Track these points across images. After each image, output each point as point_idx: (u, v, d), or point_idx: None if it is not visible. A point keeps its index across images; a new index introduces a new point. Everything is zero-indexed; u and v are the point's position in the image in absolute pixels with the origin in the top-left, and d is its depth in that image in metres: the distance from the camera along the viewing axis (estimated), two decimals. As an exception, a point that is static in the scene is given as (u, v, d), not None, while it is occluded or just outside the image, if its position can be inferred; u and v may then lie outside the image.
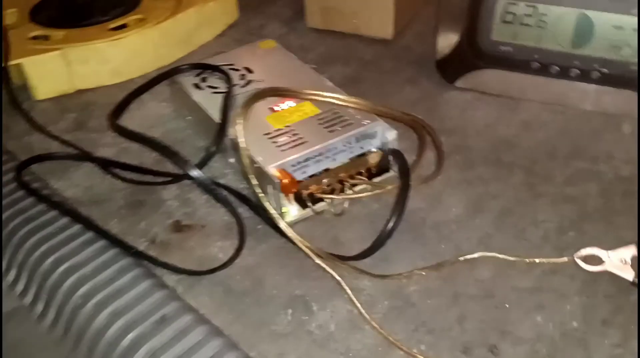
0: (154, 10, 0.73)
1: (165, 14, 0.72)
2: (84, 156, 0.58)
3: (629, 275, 0.42)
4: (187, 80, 0.60)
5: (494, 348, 0.40)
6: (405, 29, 0.73)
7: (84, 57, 0.67)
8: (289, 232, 0.46)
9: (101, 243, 0.48)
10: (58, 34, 0.70)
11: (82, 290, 0.45)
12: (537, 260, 0.44)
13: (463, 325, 0.41)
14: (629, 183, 0.51)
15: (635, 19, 0.55)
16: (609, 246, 0.44)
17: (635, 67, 0.56)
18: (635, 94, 0.56)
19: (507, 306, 0.42)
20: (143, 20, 0.72)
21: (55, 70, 0.67)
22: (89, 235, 0.49)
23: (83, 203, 0.52)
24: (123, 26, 0.70)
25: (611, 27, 0.56)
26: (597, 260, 0.44)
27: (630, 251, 0.43)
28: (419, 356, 0.39)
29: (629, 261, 0.43)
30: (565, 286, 0.43)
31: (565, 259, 0.44)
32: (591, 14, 0.56)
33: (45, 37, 0.70)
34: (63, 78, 0.67)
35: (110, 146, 0.59)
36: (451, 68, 0.64)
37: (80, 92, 0.68)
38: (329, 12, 0.73)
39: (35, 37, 0.70)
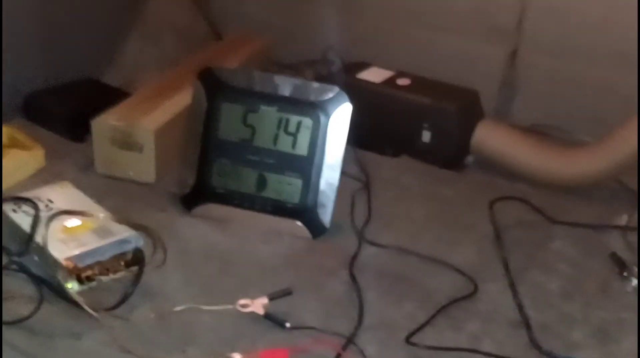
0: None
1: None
2: None
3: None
4: (7, 206, 0.90)
5: None
6: (165, 175, 1.09)
7: None
8: (74, 296, 0.77)
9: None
10: None
11: None
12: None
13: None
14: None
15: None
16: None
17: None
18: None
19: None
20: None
21: None
22: None
23: None
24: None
25: (277, 182, 0.98)
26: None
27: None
28: None
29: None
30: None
31: (230, 306, 0.80)
32: (266, 174, 0.98)
33: None
34: None
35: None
36: (188, 201, 1.01)
37: None
38: (110, 162, 1.07)
39: None
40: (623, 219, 1.06)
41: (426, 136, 1.21)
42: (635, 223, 1.04)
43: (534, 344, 0.80)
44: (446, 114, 1.20)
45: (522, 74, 1.33)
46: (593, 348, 0.81)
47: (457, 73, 1.28)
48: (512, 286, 0.90)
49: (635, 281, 0.92)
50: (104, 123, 1.06)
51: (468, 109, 1.22)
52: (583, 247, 1.00)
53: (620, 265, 0.94)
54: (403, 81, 1.26)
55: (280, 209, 0.99)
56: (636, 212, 1.06)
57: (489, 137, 1.18)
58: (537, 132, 1.25)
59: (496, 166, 1.17)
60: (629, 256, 0.96)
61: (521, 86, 1.33)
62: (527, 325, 0.83)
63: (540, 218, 1.05)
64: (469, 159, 1.22)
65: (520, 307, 0.86)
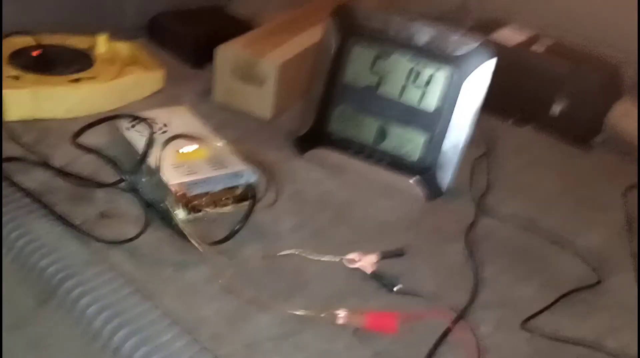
0: (102, 72, 1.01)
1: (110, 76, 1.01)
2: (41, 162, 0.84)
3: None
4: (122, 123, 0.88)
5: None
6: (283, 113, 1.05)
7: (47, 96, 0.94)
8: (181, 224, 0.75)
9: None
10: (30, 76, 0.96)
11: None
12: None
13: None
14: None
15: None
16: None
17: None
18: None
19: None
20: (93, 78, 1.00)
21: (23, 102, 0.93)
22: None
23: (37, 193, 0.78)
24: (78, 80, 0.98)
25: (398, 135, 0.92)
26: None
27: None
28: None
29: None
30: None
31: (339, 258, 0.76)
32: (387, 126, 0.92)
33: (17, 78, 0.96)
34: (28, 108, 0.93)
35: (59, 158, 0.85)
36: (303, 144, 0.96)
37: (38, 120, 0.94)
38: (228, 92, 1.04)
39: (11, 76, 0.96)
40: None
41: (557, 107, 1.11)
42: None
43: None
44: (584, 86, 1.10)
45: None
46: None
47: (601, 41, 1.16)
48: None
49: None
50: (229, 51, 1.02)
51: (609, 83, 1.11)
52: None
53: None
54: (539, 45, 1.15)
55: (397, 164, 0.93)
56: None
57: (627, 117, 1.07)
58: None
59: (629, 149, 1.06)
60: None
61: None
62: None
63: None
64: (599, 138, 1.12)
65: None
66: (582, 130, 1.12)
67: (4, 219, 0.74)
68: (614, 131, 1.10)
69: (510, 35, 1.19)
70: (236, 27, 1.13)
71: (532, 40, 1.18)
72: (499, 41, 1.16)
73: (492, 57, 0.88)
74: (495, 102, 1.10)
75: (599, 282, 0.82)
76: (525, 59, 1.15)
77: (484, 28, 1.19)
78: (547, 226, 0.89)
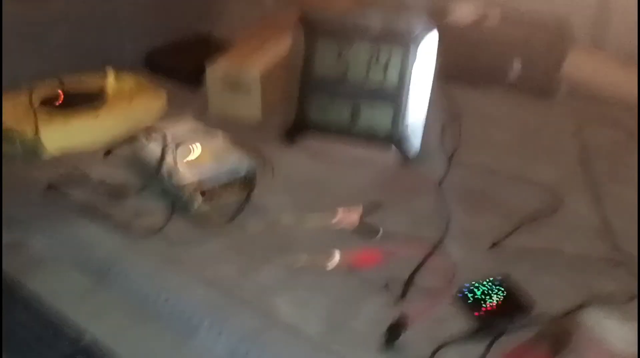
0: (115, 104, 1.18)
1: (121, 106, 1.18)
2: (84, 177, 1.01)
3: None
4: (140, 140, 1.04)
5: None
6: (271, 114, 1.21)
7: (75, 130, 1.11)
8: (199, 210, 0.91)
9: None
10: (59, 117, 1.13)
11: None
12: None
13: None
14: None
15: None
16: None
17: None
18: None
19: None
20: (108, 111, 1.17)
21: (56, 138, 1.10)
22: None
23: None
24: (97, 114, 1.15)
25: (369, 112, 1.07)
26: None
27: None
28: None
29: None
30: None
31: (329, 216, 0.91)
32: (359, 105, 1.08)
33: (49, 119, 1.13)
34: (61, 141, 1.10)
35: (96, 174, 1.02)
36: (290, 134, 1.12)
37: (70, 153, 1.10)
38: (222, 104, 1.20)
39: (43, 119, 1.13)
40: None
41: (517, 67, 1.25)
42: None
43: (616, 247, 0.85)
44: (536, 45, 1.23)
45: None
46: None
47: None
48: (597, 199, 0.94)
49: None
50: (217, 69, 1.20)
51: (559, 39, 1.24)
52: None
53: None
54: (491, 19, 1.29)
55: (373, 137, 1.08)
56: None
57: (580, 66, 1.20)
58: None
59: (587, 94, 1.20)
60: None
61: (615, 15, 1.33)
62: (610, 231, 0.88)
63: (626, 138, 1.08)
64: (558, 89, 1.25)
65: (604, 217, 0.91)
66: (543, 84, 1.26)
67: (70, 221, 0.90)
68: (570, 80, 1.23)
69: (465, 14, 1.34)
70: (220, 47, 1.30)
71: (484, 16, 1.32)
72: (456, 20, 1.31)
73: (433, 31, 1.03)
74: (462, 74, 1.25)
75: (559, 205, 0.95)
76: (480, 32, 1.29)
77: (439, 13, 1.35)
78: (509, 168, 1.03)
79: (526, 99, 1.25)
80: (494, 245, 0.88)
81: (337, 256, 0.83)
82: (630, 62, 1.21)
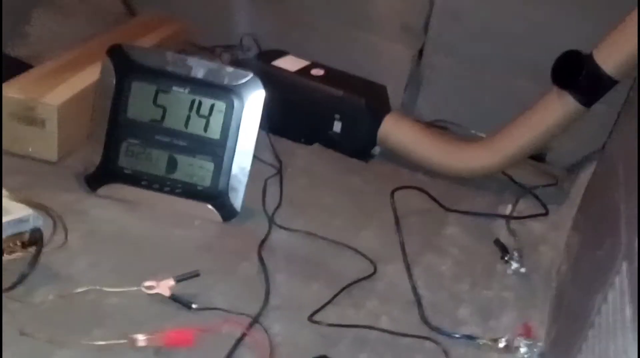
0: None
1: None
2: None
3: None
4: None
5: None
6: (70, 154, 1.05)
7: None
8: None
9: None
10: None
11: None
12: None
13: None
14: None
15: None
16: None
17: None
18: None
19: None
20: None
21: None
22: None
23: None
24: None
25: (188, 165, 0.98)
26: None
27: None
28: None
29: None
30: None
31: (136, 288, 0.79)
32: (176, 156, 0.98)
33: None
34: None
35: None
36: (93, 181, 0.98)
37: None
38: (10, 138, 1.01)
39: None
40: (507, 209, 1.14)
41: (337, 126, 1.25)
42: (516, 213, 1.13)
43: (425, 321, 0.86)
44: (356, 106, 1.24)
45: (426, 72, 1.39)
46: (477, 324, 0.88)
47: (369, 68, 1.33)
48: (408, 268, 0.95)
49: (515, 265, 1.00)
50: (4, 95, 1.00)
51: (376, 102, 1.27)
52: (472, 233, 1.07)
53: (503, 250, 1.03)
54: (317, 71, 1.28)
55: (191, 192, 0.99)
56: (517, 203, 1.15)
57: (394, 129, 1.23)
58: (439, 126, 1.33)
59: (400, 157, 1.22)
60: (510, 242, 1.04)
61: (426, 84, 1.40)
62: (419, 304, 0.89)
63: (436, 206, 1.11)
64: (376, 149, 1.27)
65: (414, 287, 0.92)
66: (360, 144, 1.26)
67: None
68: (385, 143, 1.25)
69: (291, 63, 1.30)
70: (13, 68, 1.11)
71: (310, 67, 1.30)
72: (281, 67, 1.27)
73: (263, 86, 0.98)
74: (285, 125, 1.21)
75: (374, 272, 0.94)
76: (305, 82, 1.27)
77: (265, 58, 1.30)
78: (330, 233, 1.00)
79: (345, 158, 1.24)
80: (313, 314, 0.83)
81: (142, 338, 0.72)
82: (434, 129, 1.27)
